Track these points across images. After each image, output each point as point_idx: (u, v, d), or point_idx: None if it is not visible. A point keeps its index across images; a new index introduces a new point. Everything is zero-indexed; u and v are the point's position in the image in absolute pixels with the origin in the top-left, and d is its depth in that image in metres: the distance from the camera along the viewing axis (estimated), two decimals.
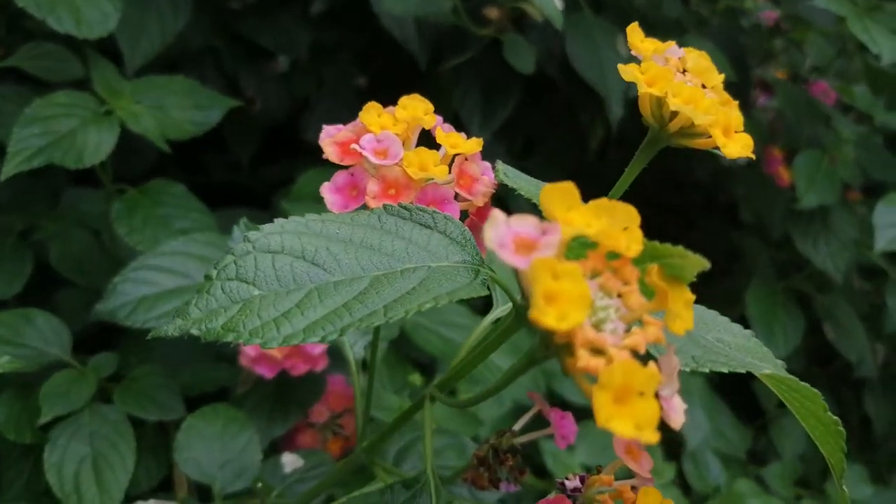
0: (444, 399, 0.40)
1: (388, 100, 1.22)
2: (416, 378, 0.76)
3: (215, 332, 0.31)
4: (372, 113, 0.39)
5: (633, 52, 0.39)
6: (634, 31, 0.39)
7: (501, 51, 1.15)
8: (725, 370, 0.31)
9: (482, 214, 0.40)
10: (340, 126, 0.42)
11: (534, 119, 1.32)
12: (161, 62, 1.06)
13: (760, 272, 1.33)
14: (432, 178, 0.38)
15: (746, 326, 1.20)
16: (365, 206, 0.38)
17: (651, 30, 1.16)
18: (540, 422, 0.52)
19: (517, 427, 0.50)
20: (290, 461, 0.66)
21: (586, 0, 1.14)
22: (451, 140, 0.40)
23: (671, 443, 1.20)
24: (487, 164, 0.41)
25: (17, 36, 0.93)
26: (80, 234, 0.96)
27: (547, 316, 0.22)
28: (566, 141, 1.39)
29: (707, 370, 0.31)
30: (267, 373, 0.71)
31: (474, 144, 0.40)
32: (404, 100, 0.41)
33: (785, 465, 1.29)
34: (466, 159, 0.40)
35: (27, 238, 0.95)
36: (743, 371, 0.31)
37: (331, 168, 1.14)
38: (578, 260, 0.24)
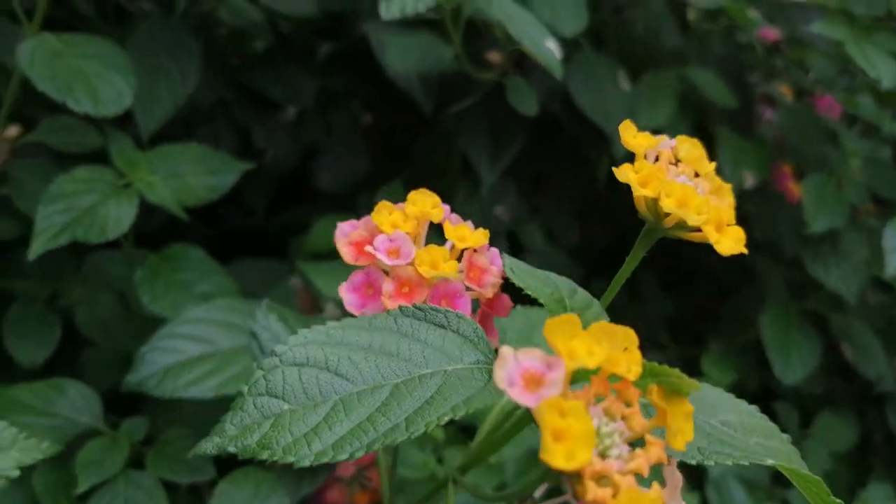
0: (469, 488, 0.42)
1: (396, 146, 1.24)
2: (438, 433, 0.78)
3: (251, 450, 0.33)
4: (383, 213, 0.41)
5: (626, 148, 0.41)
6: (627, 129, 0.41)
7: (505, 93, 1.18)
8: (730, 462, 0.33)
9: (493, 304, 0.42)
10: (354, 222, 0.45)
11: (542, 156, 1.34)
12: (175, 120, 1.09)
13: (773, 293, 1.34)
14: (444, 276, 0.40)
15: (761, 350, 1.19)
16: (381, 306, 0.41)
17: (652, 62, 1.17)
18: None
19: (538, 493, 0.52)
20: None
21: (586, 37, 1.17)
22: (459, 233, 0.42)
23: (694, 472, 1.21)
24: (495, 251, 0.43)
25: (35, 109, 0.96)
26: (106, 297, 0.99)
27: (556, 457, 0.24)
28: (574, 175, 1.41)
29: (713, 463, 0.33)
30: None
31: (481, 237, 0.42)
32: (413, 195, 0.44)
33: None
34: (475, 251, 0.42)
35: (53, 303, 0.98)
36: (747, 463, 0.33)
37: (340, 215, 1.16)
38: (583, 385, 0.26)
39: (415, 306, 0.38)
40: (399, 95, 1.34)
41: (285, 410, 0.34)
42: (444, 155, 1.14)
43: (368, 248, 0.40)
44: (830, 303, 1.35)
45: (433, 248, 0.41)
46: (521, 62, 1.20)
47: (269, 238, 1.35)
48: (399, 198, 1.17)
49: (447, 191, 1.17)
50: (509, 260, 0.41)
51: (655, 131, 1.14)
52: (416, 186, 1.22)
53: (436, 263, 0.40)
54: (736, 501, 1.17)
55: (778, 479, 1.34)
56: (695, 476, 1.20)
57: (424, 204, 0.43)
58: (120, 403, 0.92)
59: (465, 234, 0.42)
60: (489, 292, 0.42)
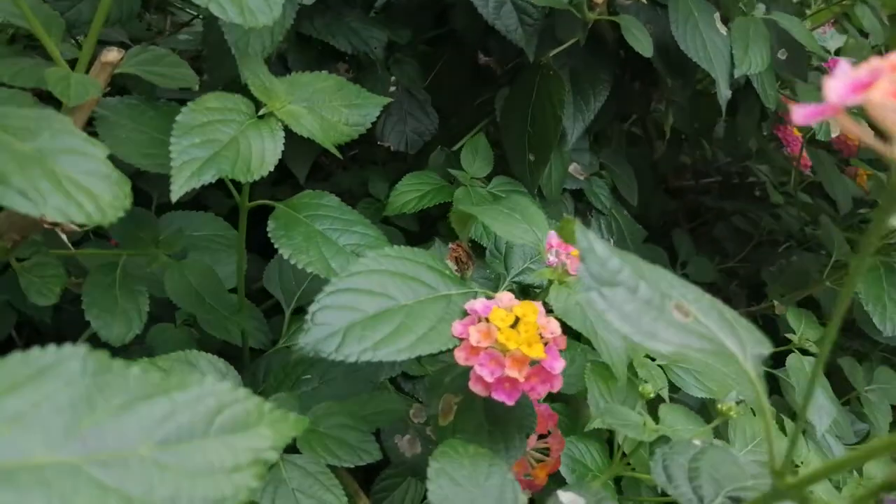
0: None
1: (459, 97, 1.10)
2: (646, 389, 0.65)
3: None
4: None
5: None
6: None
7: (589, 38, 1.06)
8: None
9: None
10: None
11: (609, 109, 1.23)
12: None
13: (837, 249, 1.28)
14: None
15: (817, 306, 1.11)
16: None
17: (733, 6, 1.07)
18: None
19: None
20: (569, 500, 0.54)
21: None
22: None
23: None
24: None
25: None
26: (194, 261, 0.82)
27: None
28: (638, 133, 1.31)
29: None
30: (507, 399, 0.59)
31: None
32: None
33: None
34: None
35: (132, 270, 0.80)
36: None
37: (417, 174, 1.01)
38: None
39: None
40: (459, 45, 1.21)
41: None
42: (536, 105, 1.01)
43: None
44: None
45: None
46: (609, 2, 1.08)
47: None
48: (483, 152, 1.04)
49: (542, 142, 1.04)
50: None
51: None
52: (502, 139, 1.08)
53: None
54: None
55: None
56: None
57: None
58: None
59: None
60: None
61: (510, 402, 0.59)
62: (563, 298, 0.63)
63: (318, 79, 0.70)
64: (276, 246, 0.67)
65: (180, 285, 0.78)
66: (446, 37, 1.22)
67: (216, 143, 0.61)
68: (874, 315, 1.09)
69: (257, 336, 0.89)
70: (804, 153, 1.49)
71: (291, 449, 0.65)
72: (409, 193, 1.00)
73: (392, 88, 1.15)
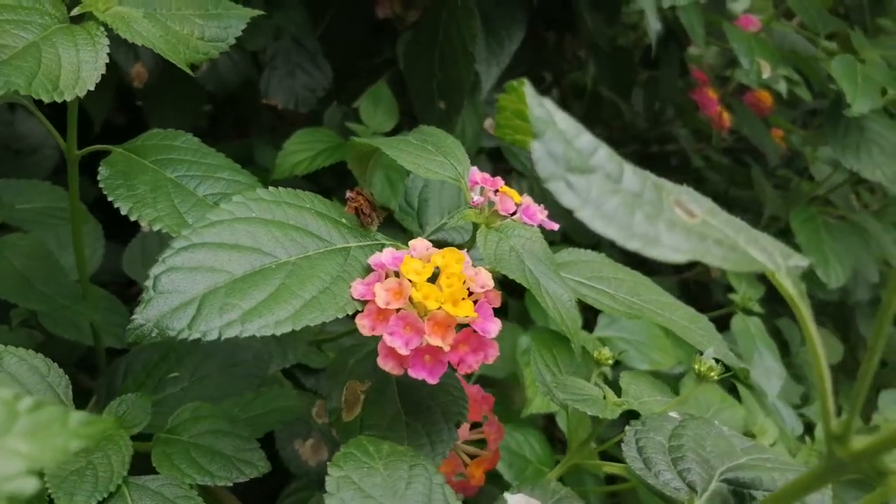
0: None
1: (350, 54, 0.94)
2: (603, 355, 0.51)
3: None
4: None
5: None
6: None
7: None
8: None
9: None
10: None
11: (525, 59, 1.09)
12: None
13: (770, 201, 1.18)
14: None
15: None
16: None
17: None
18: None
19: None
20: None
21: None
22: None
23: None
24: None
25: None
26: (17, 238, 0.63)
27: None
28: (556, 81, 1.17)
29: None
30: (429, 377, 0.44)
31: None
32: None
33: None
34: None
35: None
36: None
37: (312, 129, 0.85)
38: None
39: None
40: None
41: None
42: (444, 42, 0.86)
43: None
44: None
45: None
46: None
47: None
48: (386, 102, 0.88)
49: (454, 85, 0.89)
50: None
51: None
52: (409, 91, 0.92)
53: None
54: (788, 424, 0.98)
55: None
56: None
57: None
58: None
59: None
60: None
61: (432, 381, 0.43)
62: (493, 244, 0.48)
63: None
64: (110, 199, 0.49)
65: (4, 272, 0.59)
66: None
67: (4, 48, 0.43)
68: (817, 267, 0.99)
69: (114, 332, 0.70)
70: (723, 115, 1.41)
71: (145, 468, 0.47)
72: (301, 153, 0.83)
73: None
